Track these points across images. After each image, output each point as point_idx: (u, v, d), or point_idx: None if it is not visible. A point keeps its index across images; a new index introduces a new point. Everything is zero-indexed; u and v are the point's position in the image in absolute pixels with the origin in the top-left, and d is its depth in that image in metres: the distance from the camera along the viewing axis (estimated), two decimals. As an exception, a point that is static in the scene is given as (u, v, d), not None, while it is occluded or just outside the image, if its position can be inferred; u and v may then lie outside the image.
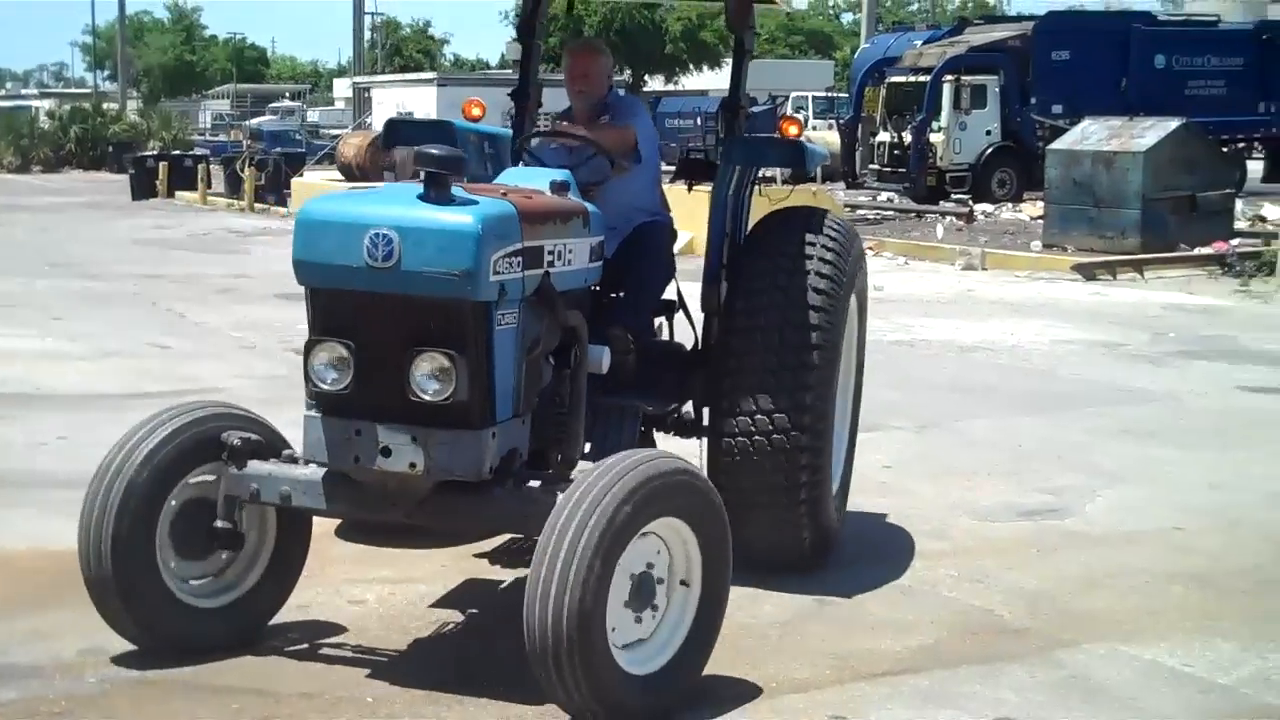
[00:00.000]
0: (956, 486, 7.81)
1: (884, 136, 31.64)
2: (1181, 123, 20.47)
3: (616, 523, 4.27)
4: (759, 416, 5.68)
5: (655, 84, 58.30)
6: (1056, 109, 30.35)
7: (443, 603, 5.76)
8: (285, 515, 5.12)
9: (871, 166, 32.01)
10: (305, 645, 5.22)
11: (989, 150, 30.31)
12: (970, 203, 26.91)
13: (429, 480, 4.69)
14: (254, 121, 53.61)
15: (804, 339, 5.74)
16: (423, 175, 4.64)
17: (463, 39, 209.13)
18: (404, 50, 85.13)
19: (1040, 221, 22.19)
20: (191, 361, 11.48)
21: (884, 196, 29.97)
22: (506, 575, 5.82)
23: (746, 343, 5.79)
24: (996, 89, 30.62)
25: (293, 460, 5.02)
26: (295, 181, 29.19)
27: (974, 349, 12.63)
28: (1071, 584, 6.17)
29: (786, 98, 50.01)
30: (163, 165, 33.67)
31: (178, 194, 32.73)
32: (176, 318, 13.94)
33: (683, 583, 4.65)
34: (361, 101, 32.78)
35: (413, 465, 4.63)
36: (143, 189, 32.78)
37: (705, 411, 6.10)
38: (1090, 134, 21.05)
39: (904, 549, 6.63)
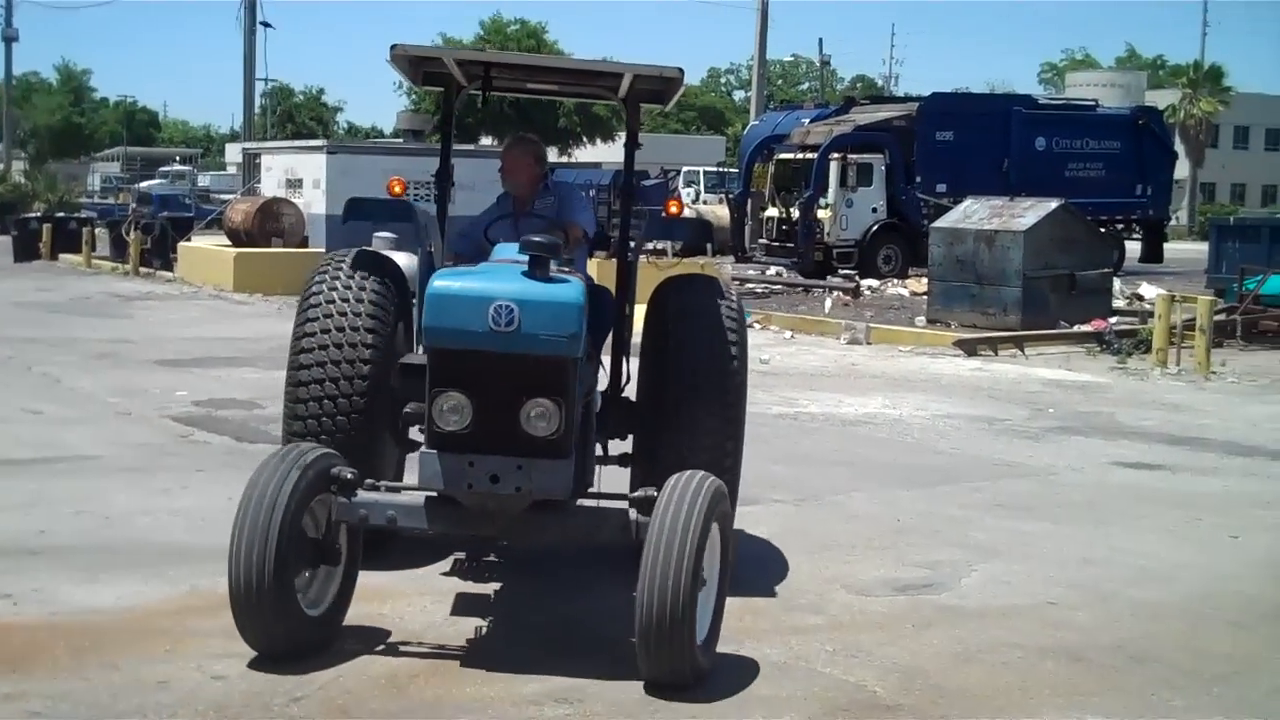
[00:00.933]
0: (834, 560, 7.82)
1: (772, 212, 32.00)
2: (1061, 203, 20.92)
3: (703, 530, 5.52)
4: (697, 454, 6.62)
5: (549, 155, 58.44)
6: (940, 188, 30.91)
7: (304, 684, 5.62)
8: (355, 540, 6.09)
9: (760, 241, 32.32)
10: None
11: (875, 227, 30.75)
12: (856, 278, 27.21)
13: (526, 500, 5.81)
14: (143, 185, 52.96)
15: (734, 390, 6.91)
16: (528, 257, 5.79)
17: (356, 107, 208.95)
18: (296, 117, 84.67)
19: (924, 297, 22.50)
20: (64, 427, 11.20)
21: (772, 271, 30.23)
22: (372, 650, 5.75)
23: (685, 392, 6.80)
24: (882, 167, 31.12)
25: (393, 490, 6.18)
26: (182, 246, 28.84)
27: (857, 422, 12.72)
28: (945, 659, 6.19)
29: (678, 172, 50.46)
30: (46, 227, 33.13)
31: (62, 257, 32.23)
32: (52, 382, 13.63)
33: (704, 579, 5.67)
34: (251, 167, 32.46)
35: (518, 489, 5.75)
36: (25, 251, 32.22)
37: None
38: (973, 213, 21.44)
39: (779, 623, 6.61)
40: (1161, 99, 62.51)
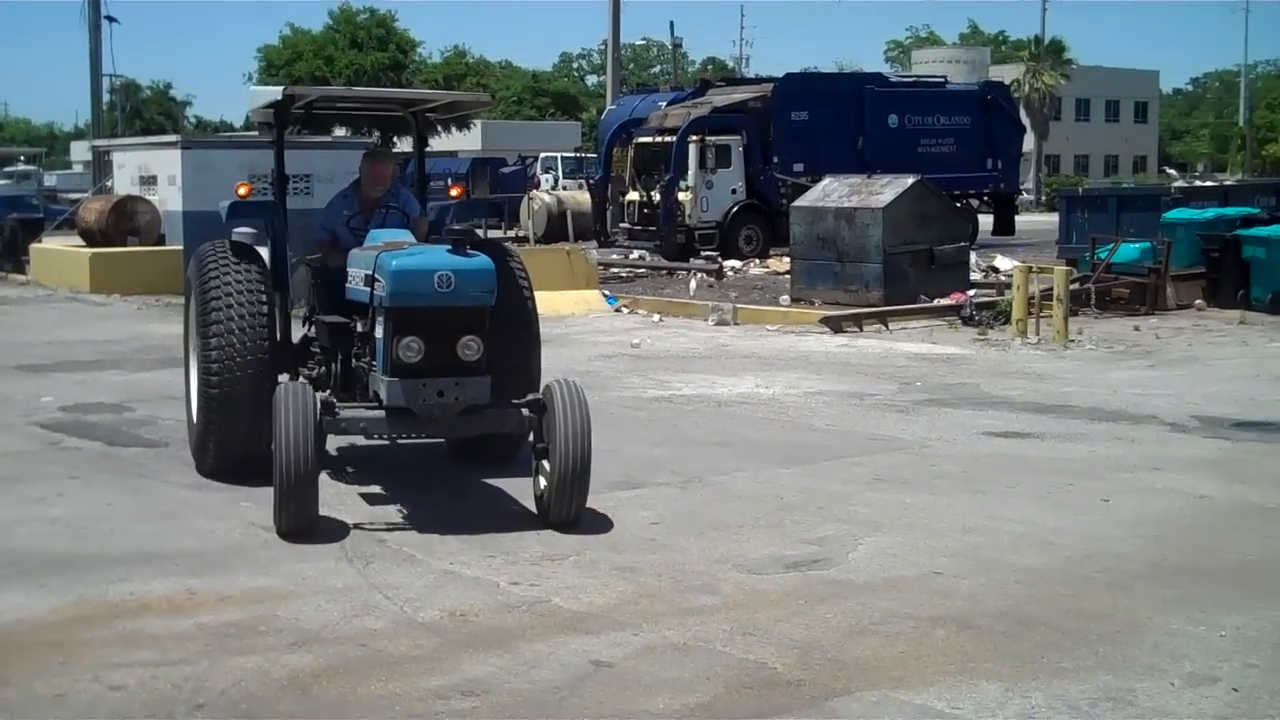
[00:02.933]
0: (724, 540, 7.91)
1: (633, 196, 32.12)
2: (917, 179, 21.28)
3: (587, 412, 8.05)
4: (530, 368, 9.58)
5: (404, 145, 58.00)
6: (798, 167, 31.28)
7: (205, 689, 5.57)
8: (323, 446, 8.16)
9: (622, 225, 32.42)
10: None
11: (735, 208, 31.01)
12: (719, 260, 27.47)
13: (460, 407, 7.99)
14: (-16, 186, 51.39)
15: (534, 323, 9.84)
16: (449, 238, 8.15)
17: (205, 101, 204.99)
18: (144, 112, 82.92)
19: (787, 276, 22.76)
20: (-75, 440, 10.86)
21: (635, 254, 30.38)
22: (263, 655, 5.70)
23: (514, 328, 9.37)
24: (740, 149, 31.37)
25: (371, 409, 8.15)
26: (34, 248, 28.07)
27: (731, 403, 12.86)
28: (840, 633, 6.32)
29: (535, 158, 50.36)
30: (-114, 233, 31.95)
31: (-97, 263, 31.12)
32: (-94, 394, 13.20)
33: None
34: (102, 165, 31.68)
35: (455, 399, 7.94)
36: None
37: None
38: (831, 191, 21.74)
39: (676, 605, 6.69)
40: (1006, 73, 63.76)
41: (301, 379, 8.84)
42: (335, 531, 7.96)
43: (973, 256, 24.02)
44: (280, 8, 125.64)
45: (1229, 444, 11.02)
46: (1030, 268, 18.66)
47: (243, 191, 9.55)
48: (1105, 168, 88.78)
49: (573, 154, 54.87)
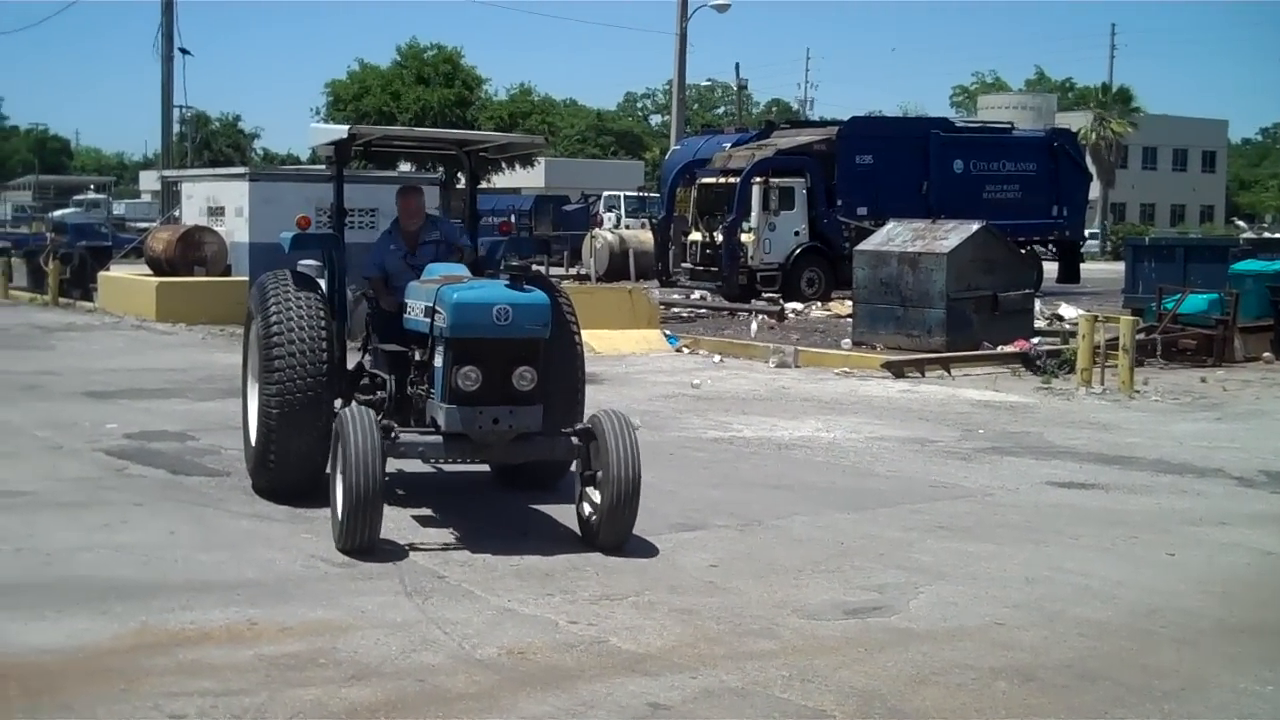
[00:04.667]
0: (782, 585, 7.87)
1: (696, 236, 32.14)
2: (982, 225, 21.18)
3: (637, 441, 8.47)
4: (576, 398, 10.07)
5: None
6: (861, 211, 31.22)
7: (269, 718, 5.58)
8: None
9: (684, 265, 32.43)
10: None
11: (798, 250, 30.98)
12: (780, 301, 27.41)
13: (514, 434, 8.38)
14: (57, 213, 52.13)
15: (581, 355, 10.34)
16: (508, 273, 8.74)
17: (273, 134, 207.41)
18: (213, 144, 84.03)
19: (849, 320, 22.69)
20: (-7, 464, 11.00)
21: (697, 295, 30.38)
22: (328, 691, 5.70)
23: (563, 361, 9.83)
24: (804, 191, 31.35)
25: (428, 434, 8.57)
26: (102, 276, 28.45)
27: (791, 446, 12.80)
28: (901, 682, 6.25)
29: (598, 196, 50.58)
30: (-41, 259, 32.49)
31: (-22, 289, 31.63)
32: (-25, 418, 13.38)
33: None
34: (170, 195, 32.09)
35: (510, 426, 8.34)
36: (-62, 284, 31.58)
37: None
38: (895, 236, 21.67)
39: (734, 649, 6.65)
40: (1071, 120, 63.53)
41: (356, 404, 9.09)
42: (392, 557, 8.02)
43: (1037, 304, 23.86)
44: (349, 43, 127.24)
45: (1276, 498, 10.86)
46: (1096, 316, 18.51)
47: (302, 224, 10.07)
48: (1172, 217, 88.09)
49: (635, 193, 55.06)
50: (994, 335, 20.26)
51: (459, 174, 46.95)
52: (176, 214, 29.86)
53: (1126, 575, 8.31)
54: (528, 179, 64.73)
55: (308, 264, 11.82)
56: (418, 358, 9.07)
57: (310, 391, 9.22)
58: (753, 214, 30.74)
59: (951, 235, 20.76)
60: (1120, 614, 7.47)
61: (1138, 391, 16.80)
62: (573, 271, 37.06)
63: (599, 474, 8.41)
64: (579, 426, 8.79)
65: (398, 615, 7.03)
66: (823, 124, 37.53)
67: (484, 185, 56.20)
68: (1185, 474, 11.77)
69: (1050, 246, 36.01)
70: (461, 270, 9.34)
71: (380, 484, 7.87)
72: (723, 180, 32.03)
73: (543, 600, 7.37)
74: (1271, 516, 10.18)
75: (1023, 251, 28.63)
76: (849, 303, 23.69)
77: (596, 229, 41.38)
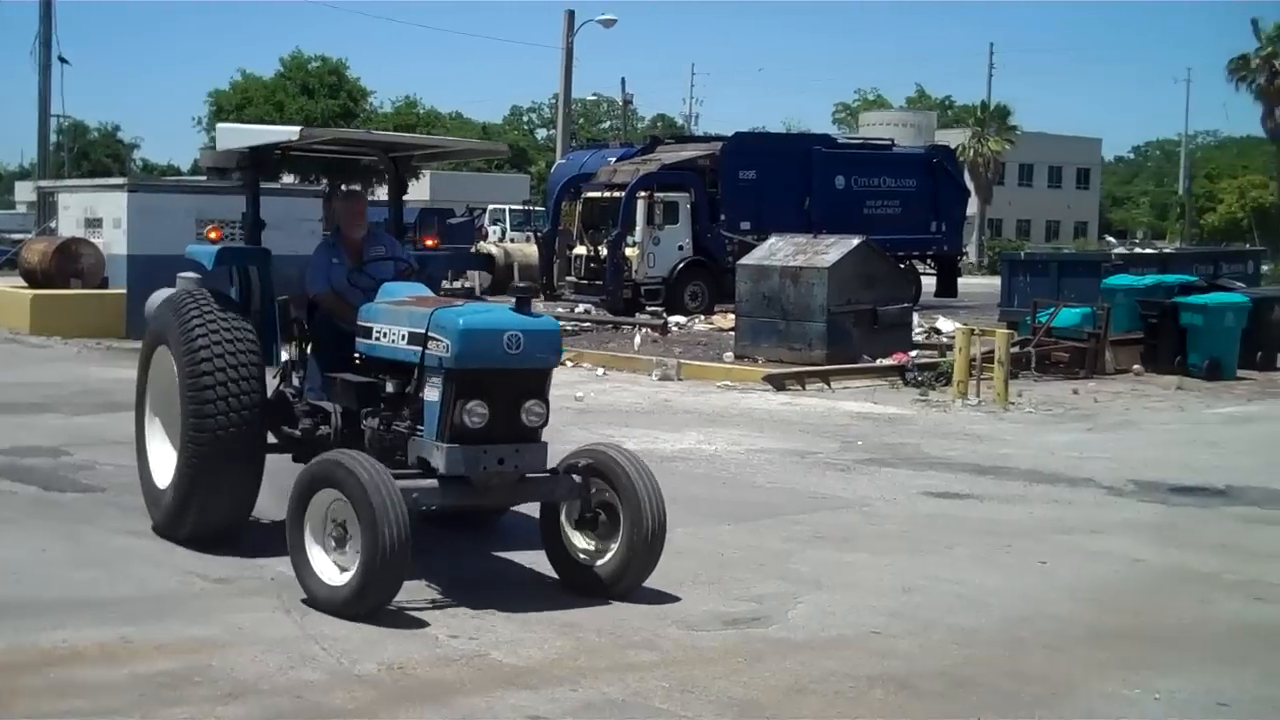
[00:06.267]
0: (664, 596, 7.90)
1: (581, 250, 32.20)
2: (862, 240, 21.46)
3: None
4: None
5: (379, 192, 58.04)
6: (744, 225, 31.46)
7: (143, 734, 5.51)
8: None
9: (569, 279, 32.48)
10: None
11: (681, 265, 31.17)
12: (664, 315, 27.54)
13: (519, 475, 7.68)
14: (-76, 226, 50.83)
15: None
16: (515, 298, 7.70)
17: (153, 144, 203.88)
18: (92, 154, 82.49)
19: (731, 333, 22.87)
20: None
21: (581, 308, 30.40)
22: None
23: None
24: (688, 206, 31.55)
25: (414, 476, 7.54)
26: (-28, 288, 27.75)
27: (673, 458, 12.86)
28: (779, 692, 6.32)
29: (484, 210, 50.41)
30: None
31: None
32: None
33: None
34: (46, 206, 31.38)
35: (515, 466, 7.60)
36: None
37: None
38: (777, 250, 21.88)
39: (615, 662, 6.67)
40: (950, 137, 64.55)
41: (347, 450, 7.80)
42: (270, 573, 7.92)
43: (915, 317, 24.23)
44: (232, 54, 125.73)
45: (1165, 508, 11.14)
46: (972, 330, 18.85)
47: (214, 236, 9.34)
48: (1047, 233, 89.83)
49: (521, 206, 54.97)
50: (873, 348, 20.54)
51: (369, 185, 46.72)
52: (53, 225, 29.18)
53: (1000, 583, 8.48)
54: (413, 191, 64.15)
55: (189, 277, 11.40)
56: (389, 389, 8.02)
57: (246, 426, 8.30)
58: (637, 228, 30.87)
59: (832, 250, 21.00)
60: (993, 622, 7.62)
61: (1012, 403, 17.13)
62: (456, 285, 36.89)
63: (600, 515, 7.86)
64: (581, 463, 7.96)
65: (275, 632, 6.96)
66: (707, 139, 37.82)
67: (370, 196, 55.81)
68: (1057, 483, 12.03)
69: (929, 261, 36.57)
70: (421, 289, 8.54)
71: (410, 537, 6.98)
72: (608, 194, 32.12)
73: (423, 615, 7.34)
74: (1140, 525, 10.44)
75: (902, 266, 29.08)
76: (731, 316, 23.84)
77: (482, 242, 41.26)
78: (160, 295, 9.35)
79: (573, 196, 33.84)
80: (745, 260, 22.73)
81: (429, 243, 10.43)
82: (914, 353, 20.81)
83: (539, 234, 36.01)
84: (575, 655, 6.73)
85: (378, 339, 8.11)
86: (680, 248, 31.29)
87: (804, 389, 18.83)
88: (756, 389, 18.65)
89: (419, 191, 66.40)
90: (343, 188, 11.43)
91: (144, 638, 6.77)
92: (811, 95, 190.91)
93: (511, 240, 44.63)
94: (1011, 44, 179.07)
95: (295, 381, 9.02)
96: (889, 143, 39.69)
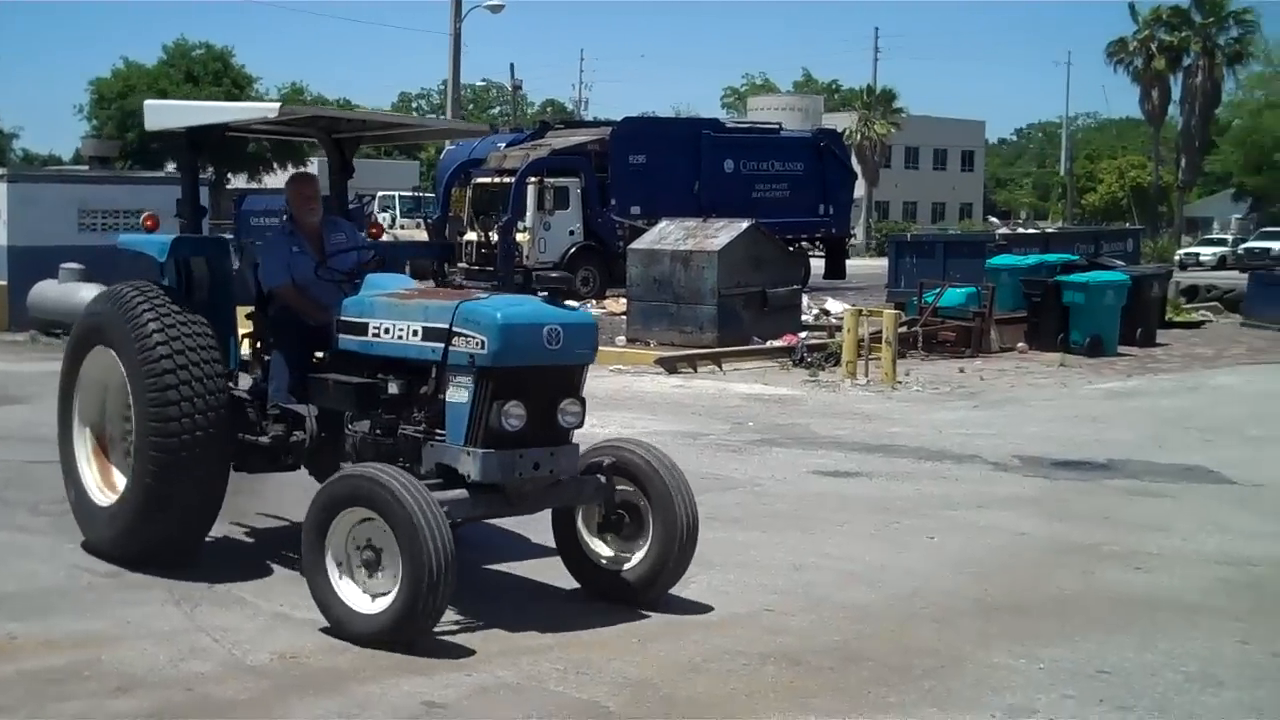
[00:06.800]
0: (555, 578, 7.90)
1: (472, 236, 32.08)
2: (751, 223, 21.64)
3: None
4: None
5: (239, 181, 57.20)
6: (635, 210, 31.56)
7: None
8: None
9: (460, 265, 32.30)
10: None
11: (572, 249, 31.22)
12: (556, 300, 27.46)
13: (552, 480, 7.10)
14: None
15: None
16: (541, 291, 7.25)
17: (34, 133, 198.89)
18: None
19: (623, 317, 22.94)
20: None
21: (473, 295, 30.26)
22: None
23: None
24: (578, 190, 31.58)
25: (441, 488, 6.89)
26: None
27: (567, 444, 12.86)
28: (673, 670, 6.39)
29: (373, 196, 50.01)
30: None
31: None
32: None
33: None
34: (-80, 198, 30.62)
35: (550, 471, 7.04)
36: None
37: None
38: (668, 234, 21.98)
39: (509, 645, 6.69)
40: (837, 121, 65.13)
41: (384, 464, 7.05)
42: (162, 573, 7.82)
43: (804, 299, 24.47)
44: (113, 41, 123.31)
45: (1048, 483, 11.38)
46: (860, 311, 19.08)
47: (150, 225, 8.61)
48: (933, 214, 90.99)
49: (410, 193, 54.62)
50: (763, 330, 20.72)
51: (263, 170, 45.90)
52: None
53: (889, 559, 8.62)
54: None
55: (71, 267, 11.11)
56: (392, 390, 7.37)
57: (214, 431, 7.54)
58: (528, 214, 30.84)
59: (722, 234, 21.15)
60: (883, 597, 7.75)
61: (900, 382, 17.37)
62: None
63: (624, 517, 7.45)
64: (604, 462, 7.44)
65: (165, 624, 6.89)
66: (597, 124, 37.82)
67: (255, 184, 55.12)
68: (944, 460, 12.23)
69: (817, 244, 36.90)
70: (404, 281, 8.00)
71: (454, 560, 6.41)
72: (498, 180, 32.04)
73: (316, 605, 7.29)
74: (1025, 499, 10.66)
75: (790, 249, 29.29)
76: (623, 300, 23.93)
77: (372, 229, 40.87)
78: (48, 287, 8.81)
79: (463, 182, 33.70)
80: (636, 245, 22.81)
81: (372, 232, 9.63)
82: (803, 334, 21.03)
83: (429, 220, 35.79)
84: (466, 639, 6.73)
85: (376, 335, 7.44)
86: (571, 233, 31.33)
87: (695, 371, 18.94)
88: (649, 372, 18.72)
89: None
90: (293, 170, 9.95)
91: (31, 634, 6.68)
92: (700, 80, 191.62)
93: (402, 227, 44.32)
94: (896, 28, 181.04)
95: (247, 384, 8.34)
96: (777, 127, 39.95)
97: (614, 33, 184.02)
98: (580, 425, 7.17)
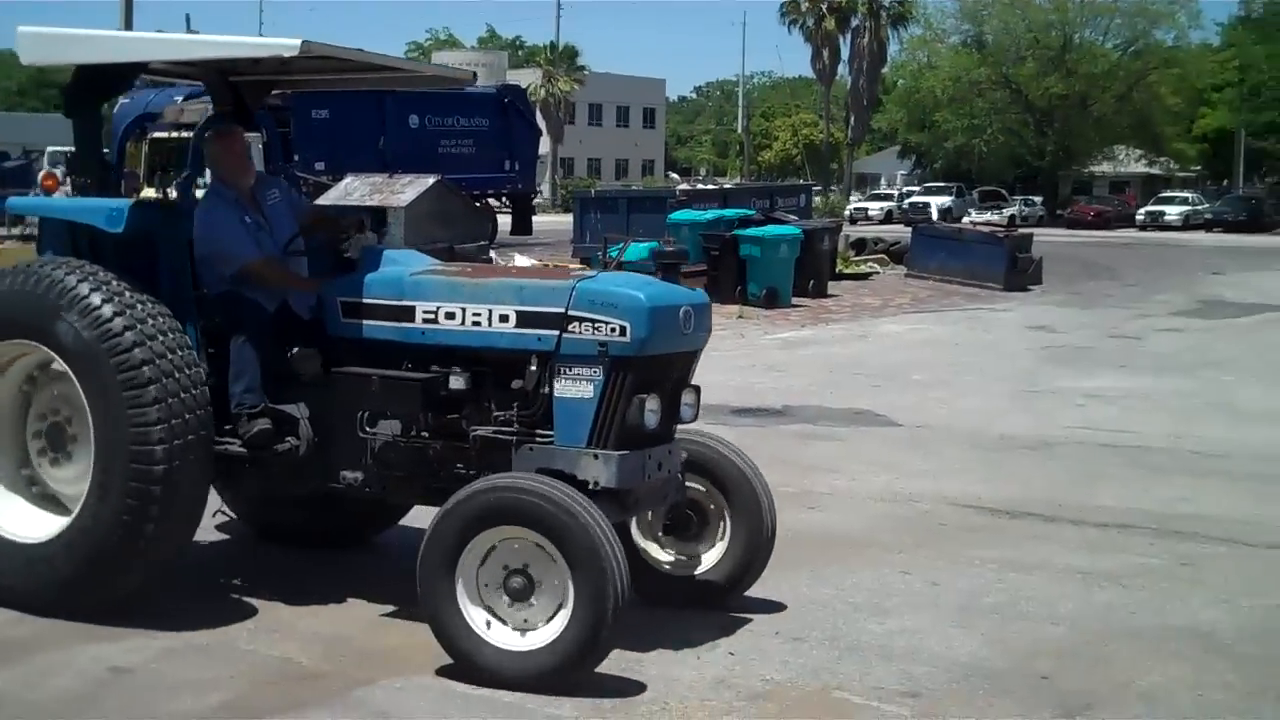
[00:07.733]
0: (246, 538, 7.89)
1: (150, 193, 30.89)
2: (437, 179, 21.63)
3: None
4: None
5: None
6: (319, 165, 30.96)
7: None
8: None
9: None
10: None
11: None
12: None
13: (667, 479, 6.31)
14: None
15: None
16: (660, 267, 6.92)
17: None
18: None
19: (309, 276, 22.59)
20: None
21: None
22: None
23: None
24: (259, 146, 30.63)
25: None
26: None
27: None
28: (366, 625, 6.48)
29: (42, 152, 47.70)
30: None
31: None
32: None
33: None
34: None
35: (670, 471, 6.31)
36: None
37: None
38: (353, 190, 21.74)
39: (197, 607, 6.63)
40: (522, 78, 65.27)
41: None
42: None
43: (493, 255, 24.60)
44: None
45: (727, 429, 11.75)
46: (547, 265, 19.32)
47: (50, 184, 7.02)
48: (617, 171, 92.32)
49: (81, 148, 52.18)
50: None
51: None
52: None
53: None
54: None
55: None
56: (456, 385, 6.24)
57: (204, 431, 6.27)
58: (208, 170, 29.91)
59: (408, 190, 21.04)
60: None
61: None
62: (15, 232, 34.86)
63: (691, 517, 6.71)
64: (685, 457, 6.56)
65: None
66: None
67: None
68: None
69: (504, 199, 37.04)
70: (417, 256, 7.16)
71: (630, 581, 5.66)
72: (175, 135, 30.99)
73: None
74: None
75: (478, 205, 29.37)
76: (308, 258, 23.57)
77: (46, 185, 39.06)
78: None
79: (139, 137, 32.45)
80: (321, 200, 22.40)
81: (46, 184, 7.37)
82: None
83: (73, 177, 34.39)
84: (156, 602, 6.59)
85: (431, 321, 6.32)
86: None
87: (384, 329, 18.83)
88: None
89: None
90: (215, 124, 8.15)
91: None
92: (383, 35, 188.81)
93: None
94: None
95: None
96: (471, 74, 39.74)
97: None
98: (695, 418, 6.47)
